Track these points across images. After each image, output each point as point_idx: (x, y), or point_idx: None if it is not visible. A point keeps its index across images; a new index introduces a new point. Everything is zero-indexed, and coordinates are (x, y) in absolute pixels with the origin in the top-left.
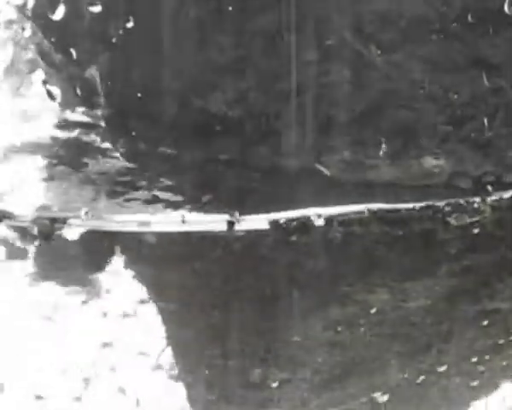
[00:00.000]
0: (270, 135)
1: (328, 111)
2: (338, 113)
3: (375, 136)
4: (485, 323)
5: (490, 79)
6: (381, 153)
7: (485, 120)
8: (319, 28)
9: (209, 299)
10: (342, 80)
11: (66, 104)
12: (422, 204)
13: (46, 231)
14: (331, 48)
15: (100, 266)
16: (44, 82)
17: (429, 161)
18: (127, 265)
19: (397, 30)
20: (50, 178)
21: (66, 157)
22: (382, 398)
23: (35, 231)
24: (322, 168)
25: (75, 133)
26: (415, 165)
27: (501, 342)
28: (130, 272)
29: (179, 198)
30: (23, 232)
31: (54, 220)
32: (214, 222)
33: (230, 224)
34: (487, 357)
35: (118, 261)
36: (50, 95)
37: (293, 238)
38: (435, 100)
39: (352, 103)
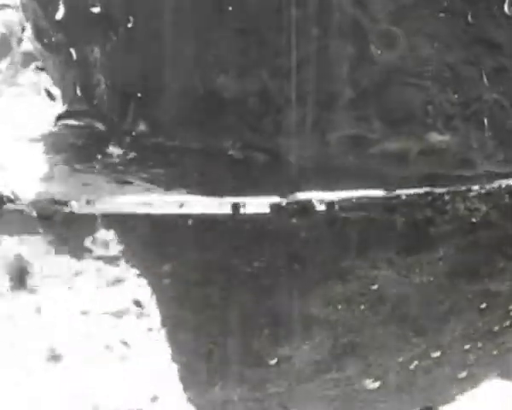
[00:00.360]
0: (273, 117)
1: (330, 88)
2: (341, 89)
3: (379, 112)
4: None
5: (494, 58)
6: (386, 129)
7: (490, 99)
8: (322, 2)
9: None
10: (346, 56)
11: (66, 93)
12: (423, 191)
13: (46, 213)
14: (335, 23)
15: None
16: (42, 68)
17: (434, 137)
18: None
19: (401, 6)
20: (52, 163)
21: (68, 144)
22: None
23: (34, 213)
24: (323, 151)
25: (76, 120)
26: (420, 140)
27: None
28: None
29: (182, 181)
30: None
31: (54, 203)
32: (219, 205)
33: (235, 207)
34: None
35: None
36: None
37: (294, 221)
38: (440, 77)
39: (355, 80)
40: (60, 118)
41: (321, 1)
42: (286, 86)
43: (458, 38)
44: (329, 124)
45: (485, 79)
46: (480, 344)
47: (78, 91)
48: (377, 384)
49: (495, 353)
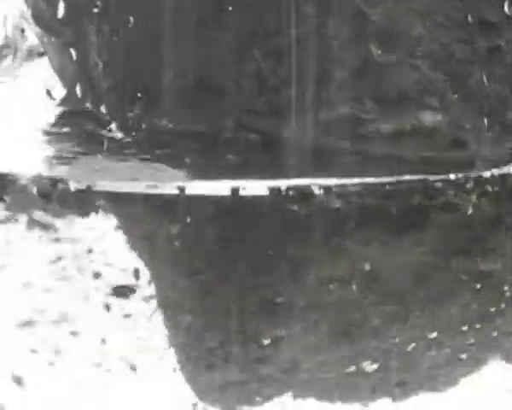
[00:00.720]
0: (267, 97)
1: (324, 68)
2: (335, 69)
3: (372, 92)
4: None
5: (488, 38)
6: (379, 109)
7: (484, 78)
8: None
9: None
10: (340, 35)
11: (66, 76)
12: (418, 178)
13: (45, 190)
14: (329, 2)
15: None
16: (42, 54)
17: (427, 117)
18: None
19: None
20: (53, 141)
21: (69, 125)
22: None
23: (34, 190)
24: (317, 132)
25: (76, 105)
26: (413, 120)
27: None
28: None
29: (180, 165)
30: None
31: (54, 180)
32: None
33: (235, 191)
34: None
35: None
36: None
37: (292, 206)
38: (433, 56)
39: (348, 59)
40: (60, 103)
41: None
42: (279, 67)
43: (451, 16)
44: (323, 104)
45: (478, 59)
46: (477, 326)
47: (78, 74)
48: (374, 367)
49: (495, 335)
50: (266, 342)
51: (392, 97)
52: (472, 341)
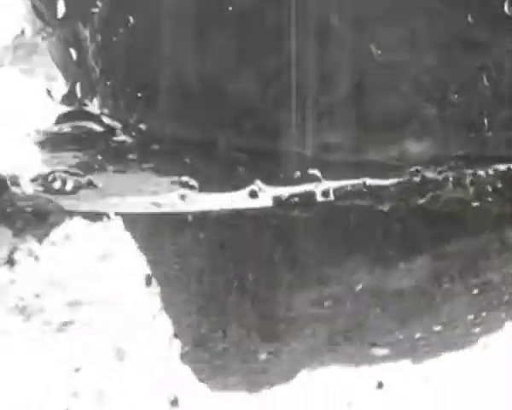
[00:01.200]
0: (259, 115)
1: (315, 93)
2: (321, 96)
3: (358, 117)
4: None
5: (475, 59)
6: (365, 135)
7: (470, 102)
8: (301, 8)
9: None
10: (329, 62)
11: (67, 72)
12: (403, 180)
13: (42, 210)
14: (318, 30)
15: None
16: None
17: (412, 145)
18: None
19: (380, 8)
20: (53, 154)
21: (69, 133)
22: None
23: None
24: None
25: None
26: (396, 148)
27: None
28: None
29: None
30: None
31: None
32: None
33: (253, 193)
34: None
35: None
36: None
37: (295, 213)
38: (418, 82)
39: (334, 86)
40: (62, 100)
41: (300, 7)
42: (268, 90)
43: (436, 39)
44: (310, 130)
45: (464, 81)
46: (483, 314)
47: (78, 73)
48: (384, 352)
49: (503, 316)
50: (262, 356)
51: (378, 125)
52: (479, 321)
